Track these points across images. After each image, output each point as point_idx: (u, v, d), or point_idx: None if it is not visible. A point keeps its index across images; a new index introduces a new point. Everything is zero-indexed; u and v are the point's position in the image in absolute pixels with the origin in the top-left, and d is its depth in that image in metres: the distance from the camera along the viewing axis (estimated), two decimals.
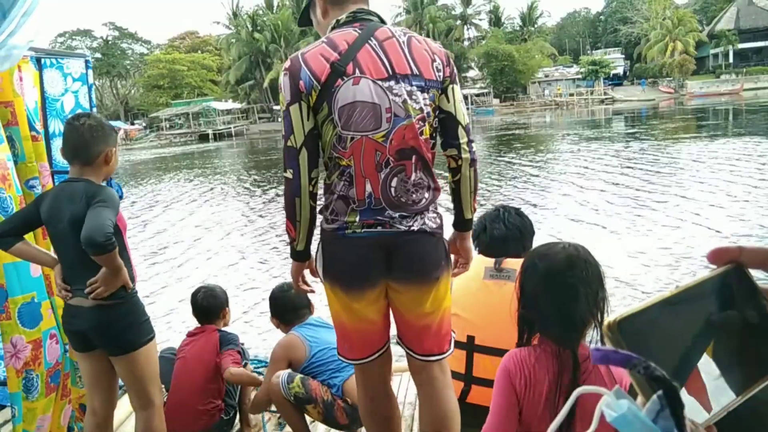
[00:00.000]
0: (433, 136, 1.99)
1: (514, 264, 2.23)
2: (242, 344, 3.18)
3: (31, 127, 2.70)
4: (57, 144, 2.90)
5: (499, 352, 1.97)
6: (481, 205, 11.01)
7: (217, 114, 60.55)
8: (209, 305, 3.14)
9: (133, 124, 69.22)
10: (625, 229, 8.62)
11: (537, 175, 14.67)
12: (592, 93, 57.70)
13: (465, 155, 1.98)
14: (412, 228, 1.92)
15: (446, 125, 1.98)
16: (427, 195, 1.96)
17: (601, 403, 0.39)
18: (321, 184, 1.98)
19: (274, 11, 67.17)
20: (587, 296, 1.52)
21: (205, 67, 70.29)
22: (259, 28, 65.11)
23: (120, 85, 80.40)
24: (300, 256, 2.04)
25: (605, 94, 57.39)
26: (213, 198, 16.60)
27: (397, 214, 1.91)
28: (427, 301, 1.97)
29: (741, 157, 14.64)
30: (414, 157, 1.92)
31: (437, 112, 1.97)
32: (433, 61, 1.93)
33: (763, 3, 58.83)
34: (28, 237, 2.39)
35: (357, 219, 1.90)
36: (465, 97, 59.52)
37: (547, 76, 63.76)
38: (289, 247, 2.05)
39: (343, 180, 1.91)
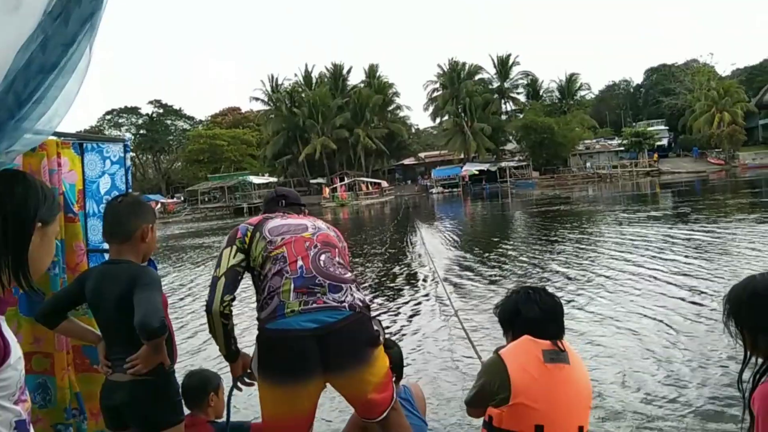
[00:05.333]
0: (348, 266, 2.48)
1: (566, 346, 2.23)
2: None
3: (68, 209, 2.76)
4: (92, 224, 2.98)
5: None
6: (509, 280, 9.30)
7: (253, 188, 60.66)
8: (195, 387, 2.91)
9: (173, 197, 70.09)
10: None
11: (582, 259, 12.83)
12: (636, 165, 55.74)
13: None
14: (343, 304, 2.21)
15: None
16: (349, 274, 2.36)
17: None
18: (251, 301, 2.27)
19: (312, 88, 68.43)
20: None
21: (245, 142, 71.53)
22: (296, 103, 66.20)
23: (163, 160, 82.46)
24: (228, 358, 2.49)
25: (650, 165, 55.35)
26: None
27: (327, 282, 2.23)
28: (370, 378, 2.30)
29: None
30: (337, 250, 2.42)
31: None
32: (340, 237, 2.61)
33: None
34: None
35: (291, 287, 2.20)
36: (503, 169, 59.01)
37: (588, 148, 62.32)
38: None
39: (278, 263, 2.29)
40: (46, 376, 2.74)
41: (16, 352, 1.26)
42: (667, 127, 64.62)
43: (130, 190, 3.17)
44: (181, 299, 12.37)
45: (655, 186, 40.86)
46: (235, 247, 2.40)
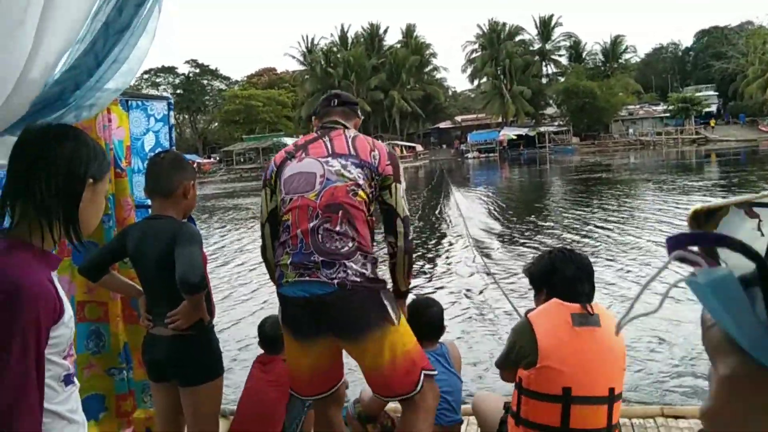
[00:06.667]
0: (370, 203, 2.36)
1: (598, 309, 2.23)
2: None
3: (117, 165, 2.83)
4: (136, 180, 3.04)
5: (598, 400, 2.17)
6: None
7: None
8: (276, 335, 3.01)
9: (209, 157, 70.68)
10: None
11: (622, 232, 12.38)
12: (682, 132, 53.83)
13: (400, 244, 2.39)
14: (333, 281, 2.20)
15: (387, 217, 2.41)
16: (350, 245, 2.25)
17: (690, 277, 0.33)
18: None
19: (348, 47, 67.52)
20: None
21: (280, 103, 71.27)
22: (332, 64, 65.47)
23: (199, 120, 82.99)
24: None
25: (697, 133, 53.39)
26: None
27: (320, 259, 2.21)
28: (374, 352, 2.25)
29: None
30: (341, 212, 2.28)
31: (381, 203, 2.41)
32: (372, 150, 2.41)
33: None
34: None
35: (289, 261, 2.27)
36: (542, 134, 57.64)
37: (631, 114, 60.37)
38: None
39: (285, 231, 2.35)
40: (99, 323, 2.85)
41: (69, 311, 1.28)
42: (716, 93, 62.01)
43: (173, 148, 3.24)
44: (216, 257, 12.43)
45: (702, 155, 39.32)
46: (268, 189, 2.51)
